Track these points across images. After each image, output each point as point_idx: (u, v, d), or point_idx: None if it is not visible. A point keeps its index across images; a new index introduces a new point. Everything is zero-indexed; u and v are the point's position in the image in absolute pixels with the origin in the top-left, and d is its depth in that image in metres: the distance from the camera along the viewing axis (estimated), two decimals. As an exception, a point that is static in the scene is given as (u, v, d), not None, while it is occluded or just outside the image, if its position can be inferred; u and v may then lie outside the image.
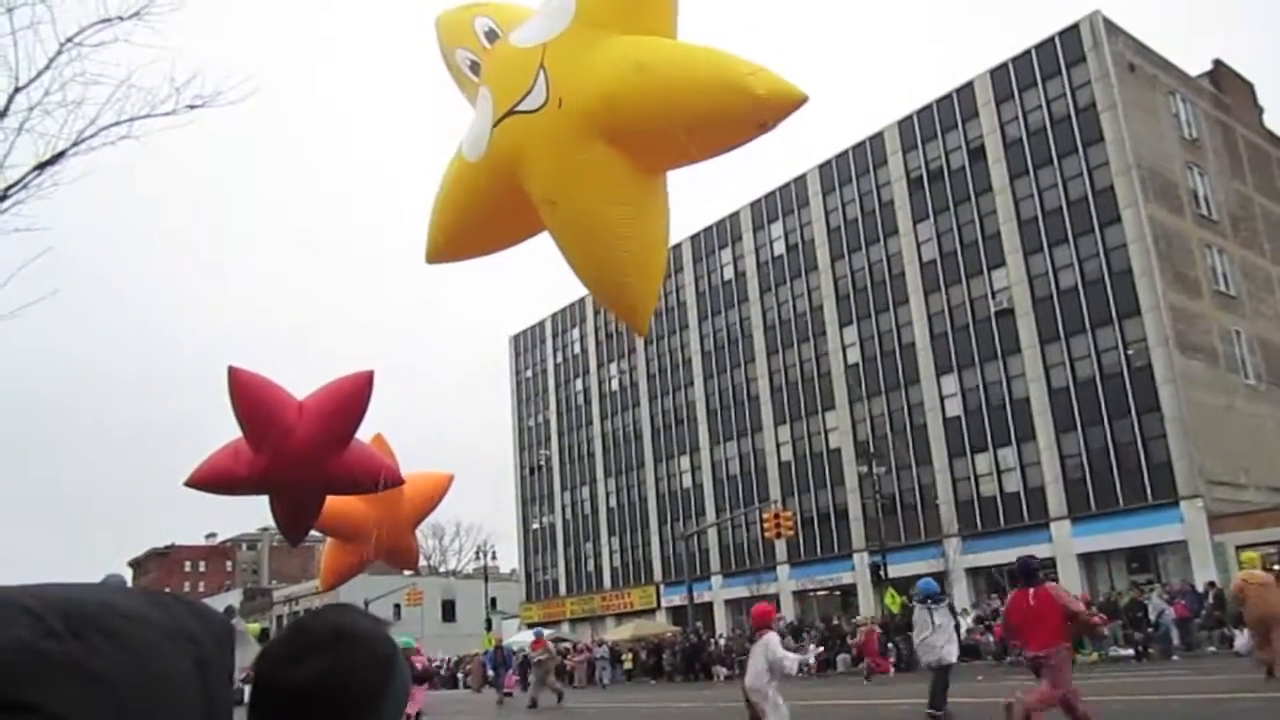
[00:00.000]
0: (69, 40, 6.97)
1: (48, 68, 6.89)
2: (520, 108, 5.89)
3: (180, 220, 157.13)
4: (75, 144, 7.08)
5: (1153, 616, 28.80)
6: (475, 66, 6.19)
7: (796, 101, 5.71)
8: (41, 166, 6.97)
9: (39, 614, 0.74)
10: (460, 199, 6.19)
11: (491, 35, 6.21)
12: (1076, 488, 39.94)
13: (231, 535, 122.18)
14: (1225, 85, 47.96)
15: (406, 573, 61.44)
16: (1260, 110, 50.41)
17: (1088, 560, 39.36)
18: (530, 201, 6.04)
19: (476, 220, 6.30)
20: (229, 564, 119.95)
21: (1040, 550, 39.65)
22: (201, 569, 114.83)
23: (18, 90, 6.82)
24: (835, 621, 40.21)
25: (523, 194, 6.03)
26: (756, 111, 5.79)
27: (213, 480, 10.47)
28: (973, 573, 42.34)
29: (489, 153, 5.96)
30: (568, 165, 5.88)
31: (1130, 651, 28.21)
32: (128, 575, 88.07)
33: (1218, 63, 48.49)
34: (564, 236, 6.10)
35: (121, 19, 7.05)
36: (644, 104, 5.86)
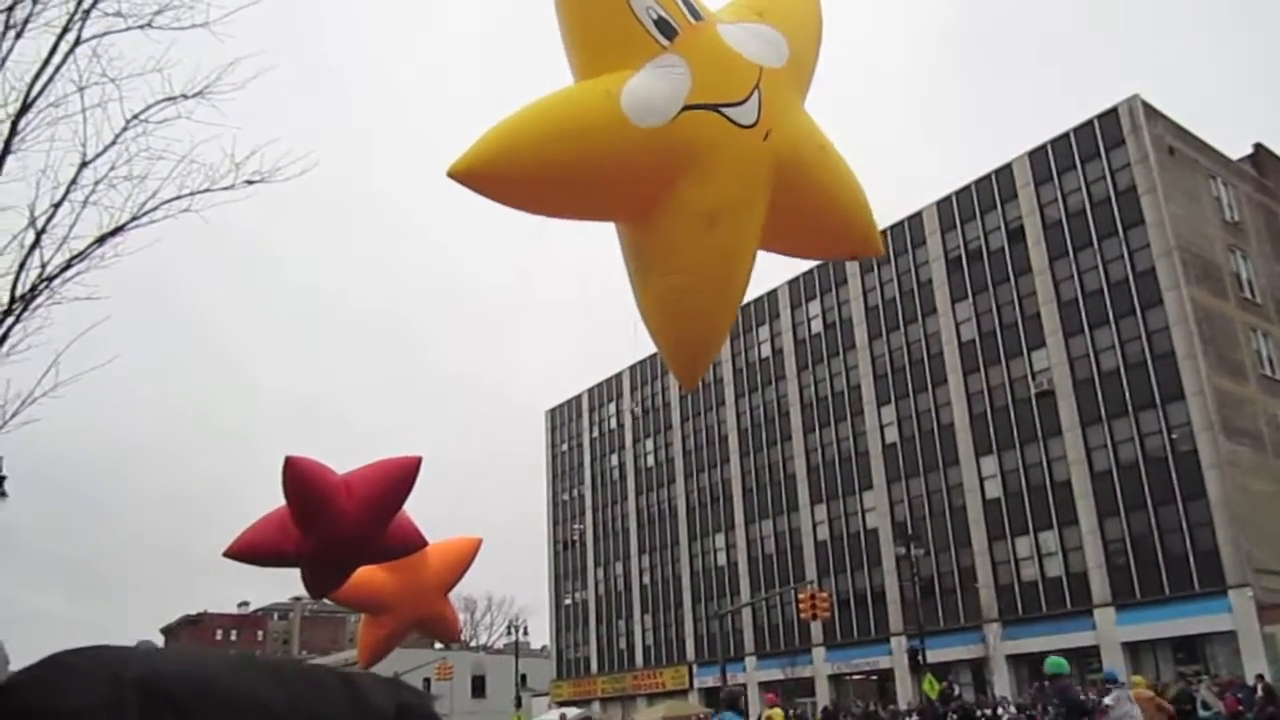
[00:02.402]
0: (135, 117, 7.23)
1: (114, 143, 7.15)
2: (728, 112, 5.63)
3: (215, 286, 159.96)
4: (136, 217, 7.30)
5: (1200, 713, 27.85)
6: (664, 24, 5.58)
7: (878, 252, 6.71)
8: (103, 238, 7.19)
9: (117, 682, 0.74)
10: (586, 142, 5.39)
11: (690, 8, 5.82)
12: (1120, 574, 39.05)
13: (263, 604, 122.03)
14: (1266, 168, 47.84)
15: (438, 645, 60.95)
16: (1303, 194, 50.14)
17: (1133, 650, 38.29)
18: (644, 195, 5.61)
19: (585, 170, 5.48)
20: (260, 633, 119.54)
21: (1084, 639, 38.84)
22: (233, 637, 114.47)
23: (85, 164, 7.07)
24: (871, 708, 39.36)
25: (654, 183, 5.58)
26: (865, 239, 6.53)
27: (255, 553, 10.54)
28: (1014, 660, 41.33)
29: (666, 129, 5.44)
30: (746, 195, 5.73)
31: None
32: (159, 642, 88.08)
33: (1258, 146, 48.44)
34: (699, 259, 5.66)
35: (186, 97, 7.31)
36: (813, 181, 6.10)
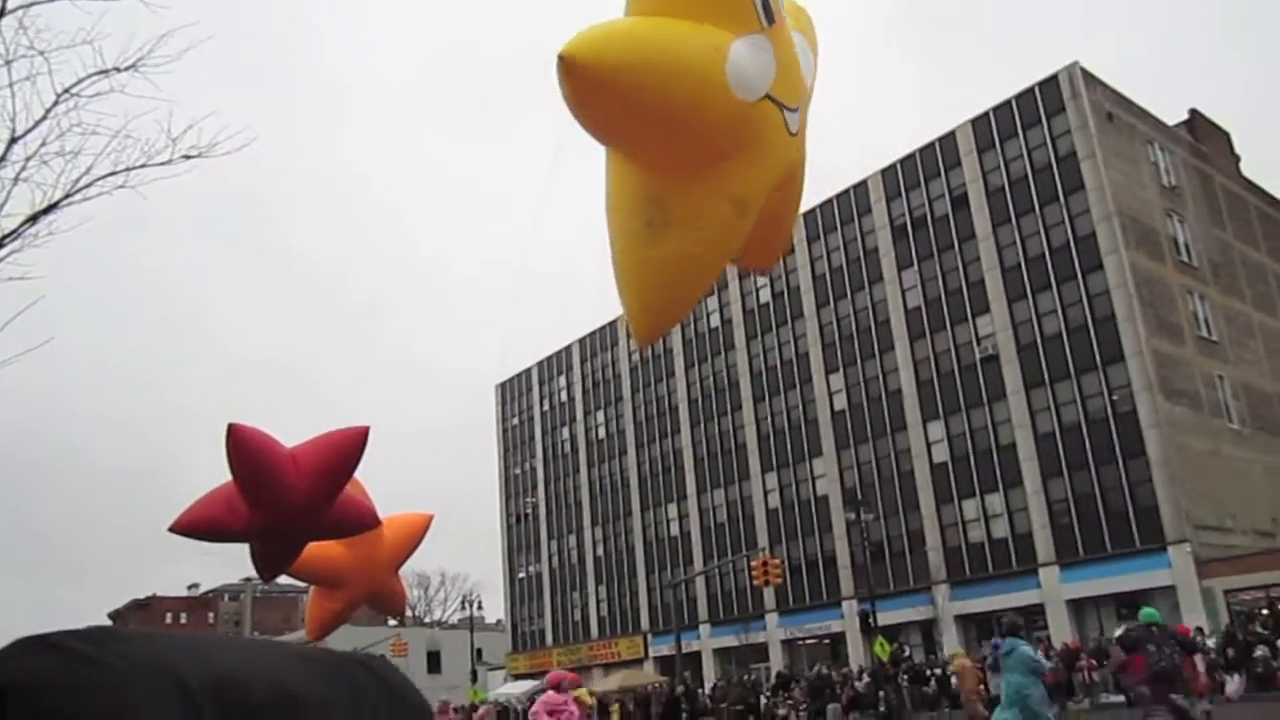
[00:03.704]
0: (66, 91, 7.03)
1: (45, 118, 6.95)
2: (787, 115, 5.82)
3: (159, 261, 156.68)
4: (70, 194, 7.12)
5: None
6: (768, 7, 5.59)
7: (770, 269, 8.30)
8: (36, 216, 7.00)
9: (193, 692, 0.62)
10: (685, 85, 5.33)
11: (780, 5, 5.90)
12: (1064, 533, 39.90)
13: (213, 586, 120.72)
14: (1202, 134, 48.69)
15: (391, 622, 60.76)
16: (1237, 158, 51.16)
17: (1077, 606, 39.23)
18: (701, 157, 5.72)
19: (674, 109, 5.42)
20: (210, 615, 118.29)
21: (1029, 597, 39.66)
22: (183, 620, 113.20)
23: (15, 140, 6.87)
24: (825, 670, 39.92)
25: (714, 151, 5.69)
26: (778, 257, 7.55)
27: (201, 528, 10.37)
28: (963, 620, 42.13)
29: (749, 107, 5.51)
30: (765, 193, 5.99)
31: (1121, 698, 28.02)
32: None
33: (1194, 112, 49.24)
34: (716, 234, 5.89)
35: (118, 70, 7.12)
36: (793, 199, 6.62)
